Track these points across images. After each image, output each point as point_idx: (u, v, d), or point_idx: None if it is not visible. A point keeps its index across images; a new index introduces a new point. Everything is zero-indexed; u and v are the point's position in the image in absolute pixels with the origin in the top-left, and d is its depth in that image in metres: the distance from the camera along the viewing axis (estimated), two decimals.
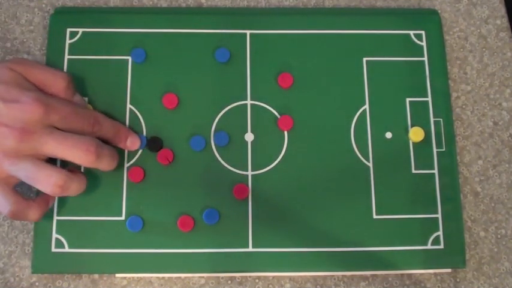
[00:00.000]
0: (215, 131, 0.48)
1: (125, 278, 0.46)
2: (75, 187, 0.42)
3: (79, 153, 0.42)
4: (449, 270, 0.47)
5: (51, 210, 0.46)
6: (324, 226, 0.47)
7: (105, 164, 0.44)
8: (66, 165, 0.46)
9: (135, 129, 0.48)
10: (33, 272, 0.45)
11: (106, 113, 0.47)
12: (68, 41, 0.50)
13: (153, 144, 0.47)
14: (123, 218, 0.46)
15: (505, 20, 0.53)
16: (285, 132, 0.49)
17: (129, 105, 0.48)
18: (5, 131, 0.40)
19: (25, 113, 0.40)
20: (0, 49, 0.51)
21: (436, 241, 0.47)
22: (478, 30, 0.53)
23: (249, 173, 0.48)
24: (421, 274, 0.47)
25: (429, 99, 0.50)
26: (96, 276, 0.46)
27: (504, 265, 0.48)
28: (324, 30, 0.51)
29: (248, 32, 0.51)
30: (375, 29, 0.51)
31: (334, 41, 0.51)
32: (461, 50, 0.53)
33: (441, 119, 0.49)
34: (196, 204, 0.47)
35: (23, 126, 0.40)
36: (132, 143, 0.47)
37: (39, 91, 0.43)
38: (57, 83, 0.43)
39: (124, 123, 0.48)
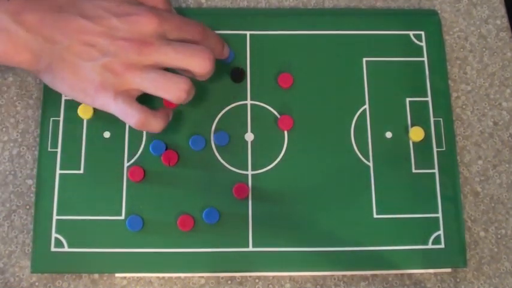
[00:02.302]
0: (215, 131, 0.48)
1: (124, 278, 0.46)
2: (192, 95, 0.43)
3: (199, 61, 0.42)
4: (449, 270, 0.47)
5: (51, 209, 0.46)
6: (324, 226, 0.47)
7: (210, 73, 0.44)
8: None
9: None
10: (32, 272, 0.45)
11: None
12: None
13: (237, 75, 0.49)
14: (123, 217, 0.46)
15: (505, 20, 0.53)
16: (285, 132, 0.49)
17: None
18: (125, 44, 0.41)
19: (141, 25, 0.41)
20: None
21: (436, 241, 0.47)
22: (478, 30, 0.53)
23: (249, 172, 0.48)
24: (421, 274, 0.47)
25: (429, 99, 0.50)
26: (96, 276, 0.46)
27: (504, 265, 0.48)
28: (323, 31, 0.51)
29: (248, 32, 0.51)
30: (375, 29, 0.51)
31: (334, 41, 0.51)
32: (461, 50, 0.53)
33: (441, 119, 0.49)
34: (196, 203, 0.47)
35: (141, 38, 0.41)
36: (226, 52, 0.48)
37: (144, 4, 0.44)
38: None
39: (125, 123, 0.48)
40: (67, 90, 0.43)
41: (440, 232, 0.47)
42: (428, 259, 0.46)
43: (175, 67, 0.43)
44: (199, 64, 0.42)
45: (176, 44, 0.42)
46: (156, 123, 0.43)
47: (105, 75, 0.41)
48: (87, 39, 0.41)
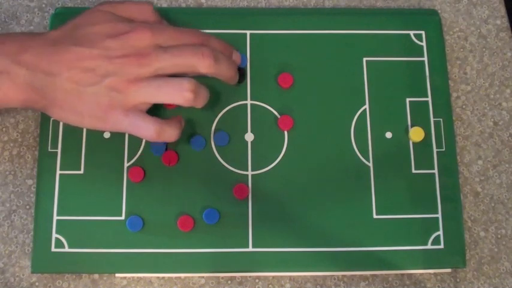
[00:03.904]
0: (215, 131, 0.48)
1: (124, 278, 0.46)
2: (204, 95, 0.44)
3: (199, 60, 0.43)
4: (449, 270, 0.47)
5: (51, 209, 0.46)
6: (324, 226, 0.47)
7: (225, 69, 0.45)
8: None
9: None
10: (32, 272, 0.45)
11: None
12: None
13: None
14: (123, 218, 0.46)
15: (505, 20, 0.53)
16: (285, 132, 0.49)
17: None
18: (123, 61, 0.41)
19: (135, 40, 0.42)
20: None
21: (436, 241, 0.47)
22: (478, 30, 0.53)
23: (249, 173, 0.48)
24: (421, 274, 0.47)
25: (429, 99, 0.50)
26: (96, 276, 0.46)
27: (504, 265, 0.48)
28: (324, 30, 0.51)
29: (248, 32, 0.51)
30: (375, 29, 0.51)
31: (334, 41, 0.51)
32: (461, 50, 0.53)
33: (441, 119, 0.49)
34: (196, 204, 0.47)
35: (137, 51, 0.42)
36: (237, 58, 0.48)
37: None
38: (144, 10, 0.45)
39: None
40: (76, 120, 0.43)
41: (440, 232, 0.47)
42: (428, 259, 0.46)
43: (177, 71, 0.43)
44: (200, 62, 0.43)
45: (173, 49, 0.43)
46: (171, 132, 0.43)
47: (110, 95, 0.42)
48: (85, 65, 0.41)
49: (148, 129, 0.42)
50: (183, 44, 0.44)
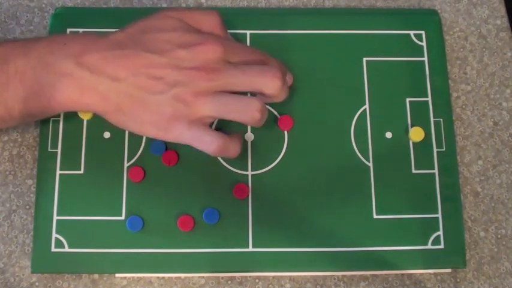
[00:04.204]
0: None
1: (124, 278, 0.46)
2: (266, 115, 0.43)
3: (268, 80, 0.42)
4: (449, 270, 0.47)
5: (51, 209, 0.46)
6: (323, 226, 0.47)
7: (285, 93, 0.44)
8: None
9: None
10: (32, 272, 0.45)
11: None
12: None
13: None
14: (123, 217, 0.46)
15: (505, 20, 0.53)
16: (285, 132, 0.49)
17: None
18: (193, 73, 0.41)
19: (207, 54, 0.41)
20: None
21: (436, 241, 0.47)
22: (478, 30, 0.53)
23: (249, 173, 0.48)
24: (421, 274, 0.47)
25: (429, 99, 0.50)
26: (96, 276, 0.46)
27: (504, 265, 0.48)
28: (324, 30, 0.51)
29: (248, 32, 0.51)
30: (375, 29, 0.51)
31: (334, 41, 0.51)
32: (461, 50, 0.53)
33: (441, 119, 0.49)
34: (196, 204, 0.47)
35: (208, 65, 0.41)
36: (290, 79, 0.48)
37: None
38: (211, 20, 0.44)
39: None
40: (138, 127, 0.42)
41: (440, 232, 0.47)
42: (428, 259, 0.46)
43: (245, 89, 0.42)
44: (269, 83, 0.42)
45: (243, 66, 0.42)
46: (233, 148, 0.43)
47: (176, 106, 0.41)
48: (153, 72, 0.41)
49: (211, 144, 0.41)
50: (247, 61, 0.43)
